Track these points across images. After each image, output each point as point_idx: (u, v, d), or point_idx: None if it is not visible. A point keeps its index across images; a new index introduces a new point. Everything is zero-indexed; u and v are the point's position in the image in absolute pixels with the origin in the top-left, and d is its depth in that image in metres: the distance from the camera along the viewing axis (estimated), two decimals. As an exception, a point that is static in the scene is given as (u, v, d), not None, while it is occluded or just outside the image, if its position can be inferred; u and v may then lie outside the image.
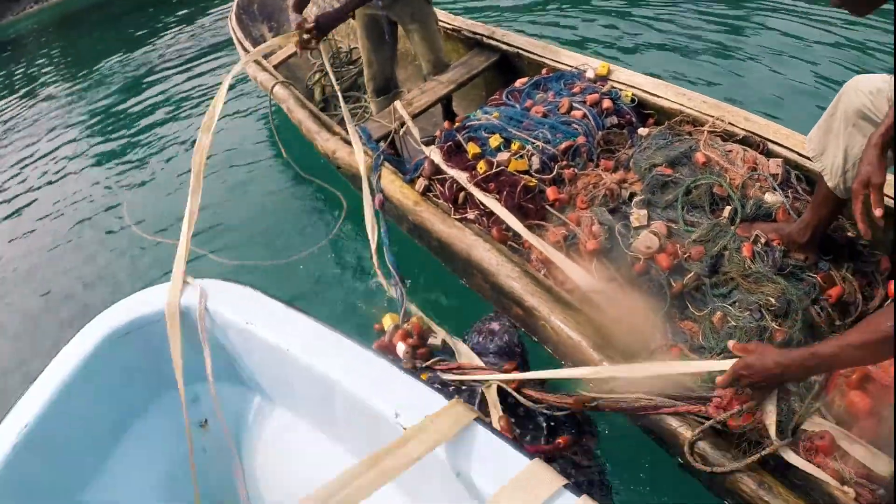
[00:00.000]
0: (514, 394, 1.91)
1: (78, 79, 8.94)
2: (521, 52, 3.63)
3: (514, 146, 2.74)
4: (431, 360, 2.17)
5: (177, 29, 9.66)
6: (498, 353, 2.28)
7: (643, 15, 5.66)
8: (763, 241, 2.27)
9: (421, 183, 2.78)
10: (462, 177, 2.67)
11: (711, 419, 1.72)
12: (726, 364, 1.66)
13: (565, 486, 1.28)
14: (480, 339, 2.34)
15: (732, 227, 2.33)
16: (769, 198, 2.44)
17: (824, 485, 1.61)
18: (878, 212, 1.61)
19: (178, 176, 4.91)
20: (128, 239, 4.31)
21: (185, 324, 1.85)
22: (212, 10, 9.92)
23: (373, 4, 3.58)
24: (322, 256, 3.39)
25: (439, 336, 2.36)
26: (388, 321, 2.41)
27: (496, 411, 1.89)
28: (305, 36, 3.33)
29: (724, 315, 2.08)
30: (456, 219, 2.59)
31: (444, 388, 2.03)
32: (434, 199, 2.73)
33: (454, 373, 2.10)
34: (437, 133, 3.05)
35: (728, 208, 2.41)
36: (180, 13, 10.69)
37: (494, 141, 2.78)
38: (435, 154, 2.83)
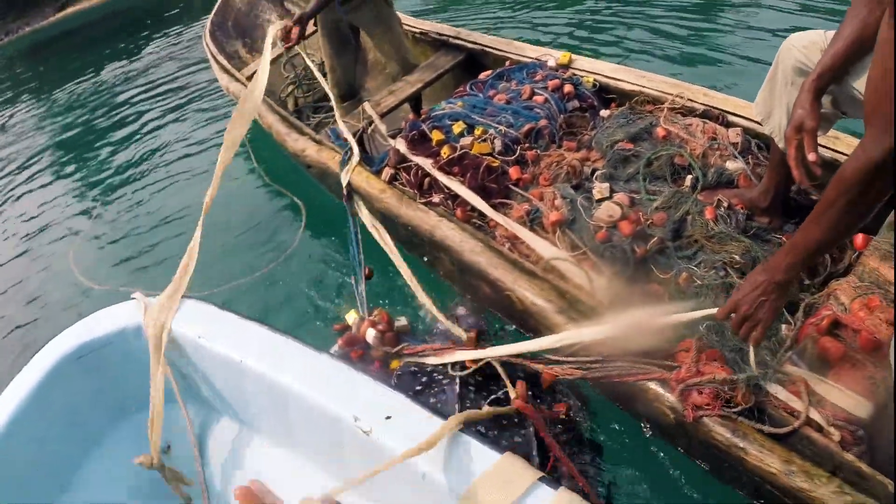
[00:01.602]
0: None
1: (45, 108, 9.05)
2: (486, 49, 3.67)
3: (478, 131, 2.75)
4: (399, 346, 2.17)
5: (146, 55, 9.86)
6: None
7: (606, 9, 5.83)
8: (726, 205, 2.28)
9: (387, 173, 2.78)
10: (426, 163, 2.68)
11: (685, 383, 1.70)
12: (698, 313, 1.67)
13: (541, 478, 1.24)
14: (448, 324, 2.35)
15: (694, 194, 2.34)
16: (730, 165, 2.46)
17: (803, 429, 1.59)
18: (811, 156, 1.60)
19: (133, 211, 4.80)
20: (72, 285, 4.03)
21: (133, 344, 1.80)
22: (175, 36, 10.15)
23: (334, 10, 3.62)
24: (287, 266, 3.34)
25: (405, 319, 2.36)
26: (352, 316, 2.41)
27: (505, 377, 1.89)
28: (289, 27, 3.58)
29: (690, 275, 2.07)
30: (421, 203, 2.59)
31: (417, 378, 2.03)
32: (400, 186, 2.74)
33: (423, 355, 2.09)
34: (403, 124, 3.07)
35: (689, 177, 2.42)
36: (148, 38, 10.92)
37: (457, 127, 2.79)
38: (400, 143, 2.84)
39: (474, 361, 1.96)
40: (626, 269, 2.13)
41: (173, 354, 1.79)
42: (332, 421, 1.48)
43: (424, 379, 2.04)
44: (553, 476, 1.62)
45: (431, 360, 2.07)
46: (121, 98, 7.94)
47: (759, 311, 1.53)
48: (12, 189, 6.21)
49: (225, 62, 4.39)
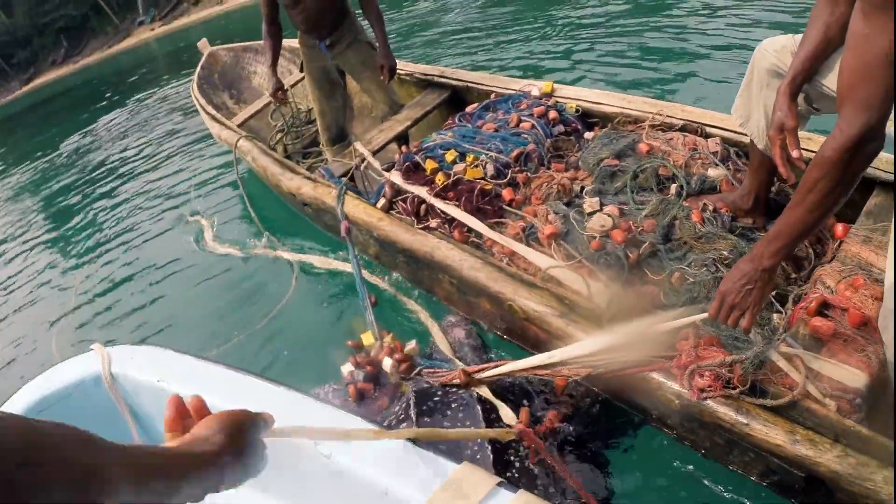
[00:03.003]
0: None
1: (14, 179, 9.16)
2: (469, 85, 3.83)
3: (469, 158, 2.87)
4: (416, 371, 2.31)
5: (112, 120, 10.24)
6: (469, 358, 2.38)
7: (584, 38, 6.14)
8: (711, 208, 2.39)
9: (384, 204, 2.88)
10: (422, 191, 2.78)
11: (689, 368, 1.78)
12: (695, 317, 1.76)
13: (499, 484, 1.26)
14: (451, 352, 2.44)
15: (680, 200, 2.44)
16: (712, 172, 2.58)
17: (802, 400, 1.66)
18: (795, 153, 1.73)
19: (108, 273, 4.81)
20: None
21: (93, 394, 1.76)
22: (139, 101, 10.38)
23: (322, 56, 3.77)
24: (286, 314, 3.39)
25: (413, 344, 2.46)
26: (368, 338, 2.53)
27: (506, 409, 1.93)
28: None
29: (682, 274, 2.16)
30: (419, 228, 2.68)
31: (431, 395, 2.09)
32: (397, 215, 2.83)
33: (440, 379, 2.17)
34: (396, 156, 3.18)
35: (674, 185, 2.53)
36: (113, 104, 11.19)
37: (450, 156, 2.90)
38: (395, 176, 2.95)
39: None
40: (621, 273, 2.22)
41: (133, 401, 1.79)
42: (293, 451, 1.44)
43: (440, 393, 2.11)
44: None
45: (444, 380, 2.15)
46: (92, 161, 8.22)
47: (746, 298, 1.62)
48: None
49: (213, 112, 4.54)
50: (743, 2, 5.47)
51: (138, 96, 11.64)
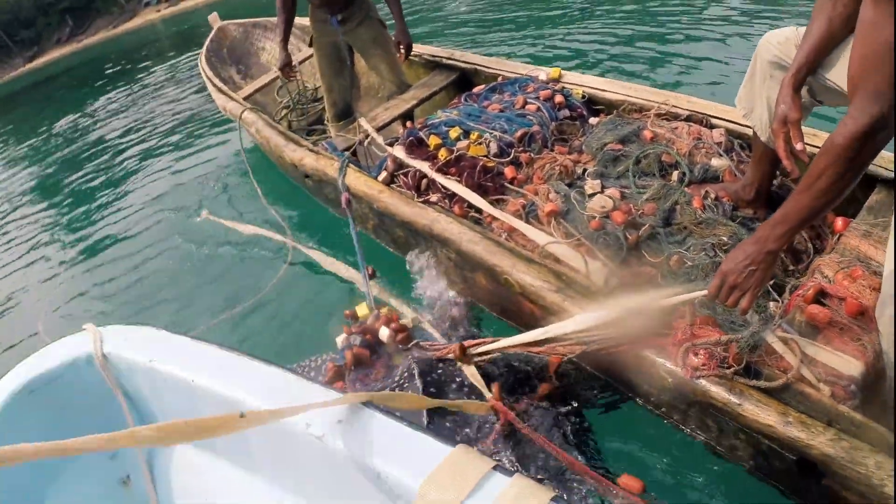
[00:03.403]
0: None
1: (16, 157, 9.12)
2: (478, 67, 3.82)
3: (473, 136, 2.86)
4: (413, 343, 2.31)
5: (115, 99, 10.22)
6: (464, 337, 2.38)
7: (592, 27, 6.17)
8: (713, 196, 2.38)
9: (385, 177, 2.87)
10: (424, 166, 2.77)
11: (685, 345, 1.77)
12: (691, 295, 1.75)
13: (495, 467, 1.24)
14: (447, 328, 2.44)
15: (682, 186, 2.44)
16: (715, 162, 2.57)
17: (796, 384, 1.65)
18: (798, 146, 1.73)
19: (104, 254, 4.73)
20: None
21: (86, 375, 1.73)
22: (142, 80, 10.32)
23: (332, 31, 3.75)
24: (283, 287, 3.38)
25: (409, 317, 2.46)
26: (363, 308, 2.52)
27: (482, 386, 1.97)
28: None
29: (681, 258, 2.16)
30: (419, 202, 2.68)
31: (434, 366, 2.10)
32: (398, 189, 2.82)
33: (438, 353, 2.17)
34: (400, 132, 3.17)
35: (676, 172, 2.53)
36: (116, 83, 11.14)
37: (454, 132, 2.89)
38: (397, 150, 2.94)
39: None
40: (619, 253, 2.21)
41: (126, 381, 1.76)
42: (285, 432, 1.43)
43: (441, 365, 2.13)
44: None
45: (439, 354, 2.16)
46: (92, 139, 8.16)
47: (748, 280, 1.61)
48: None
49: (220, 84, 4.54)
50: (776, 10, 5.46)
51: (142, 75, 11.64)
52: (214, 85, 4.60)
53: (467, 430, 1.88)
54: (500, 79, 3.52)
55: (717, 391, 1.68)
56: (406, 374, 2.06)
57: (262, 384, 1.52)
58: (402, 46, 3.72)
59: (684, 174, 2.50)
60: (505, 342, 2.06)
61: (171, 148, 6.71)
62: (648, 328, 1.87)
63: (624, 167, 2.60)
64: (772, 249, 1.57)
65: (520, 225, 2.38)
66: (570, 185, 2.59)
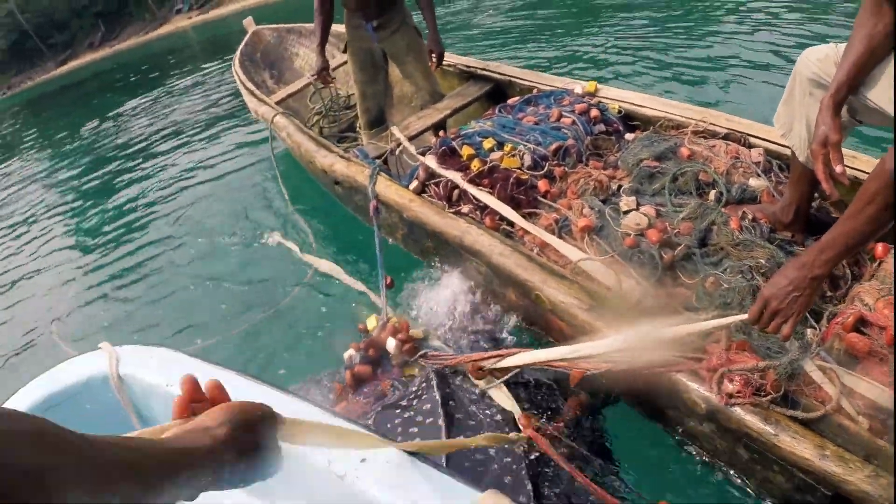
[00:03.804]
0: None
1: (43, 159, 9.28)
2: (512, 79, 3.80)
3: (507, 147, 2.83)
4: (420, 353, 2.23)
5: (144, 103, 10.29)
6: (485, 342, 2.32)
7: (629, 42, 6.10)
8: (750, 217, 2.33)
9: (416, 186, 2.86)
10: (456, 176, 2.75)
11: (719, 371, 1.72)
12: (728, 320, 1.70)
13: None
14: (465, 338, 2.39)
15: (719, 206, 2.39)
16: (753, 182, 2.52)
17: (834, 416, 1.60)
18: (838, 168, 1.67)
19: (125, 265, 4.66)
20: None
21: (100, 395, 1.68)
22: (171, 84, 10.36)
23: (367, 37, 3.76)
24: (300, 298, 3.36)
25: (420, 328, 2.41)
26: (372, 321, 2.49)
27: (514, 404, 1.91)
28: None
29: (716, 280, 2.11)
30: (450, 212, 2.66)
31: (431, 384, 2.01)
32: (429, 198, 2.81)
33: (446, 363, 2.12)
34: (432, 141, 3.16)
35: (713, 192, 2.48)
36: (147, 86, 11.23)
37: (488, 143, 2.87)
38: (430, 159, 2.92)
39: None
40: (654, 273, 2.17)
41: (141, 404, 1.71)
42: (306, 469, 1.35)
43: (459, 377, 2.06)
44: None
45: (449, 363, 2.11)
46: (119, 143, 8.23)
47: (791, 305, 1.55)
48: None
49: (252, 87, 4.56)
50: (790, 11, 5.39)
51: (172, 80, 11.78)
52: (247, 89, 4.64)
53: (493, 455, 1.79)
54: (534, 91, 3.50)
55: (753, 420, 1.63)
56: (423, 385, 1.99)
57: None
58: (433, 55, 3.72)
59: (722, 194, 2.45)
60: (527, 357, 1.99)
61: (199, 152, 6.77)
62: (679, 353, 1.83)
63: (660, 184, 2.56)
64: (817, 275, 1.52)
65: (552, 240, 2.35)
66: (604, 201, 2.56)
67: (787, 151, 2.56)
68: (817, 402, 1.64)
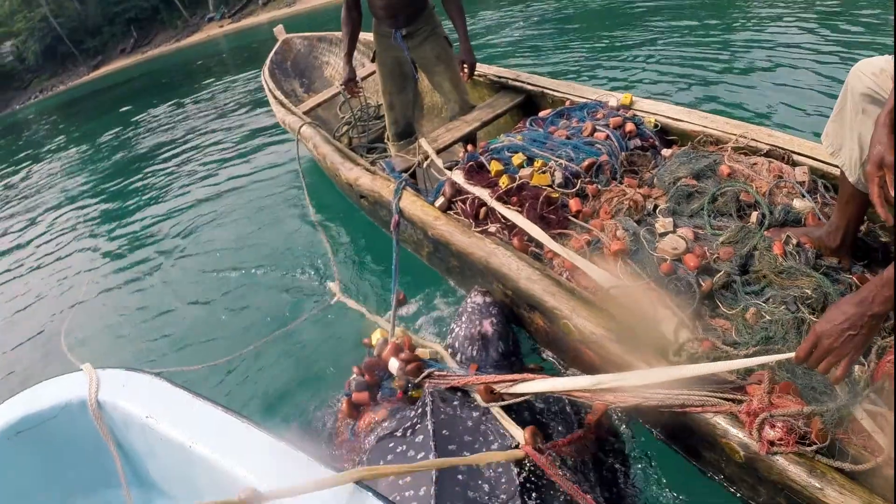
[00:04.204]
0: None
1: (71, 161, 9.38)
2: (545, 90, 3.69)
3: (537, 163, 2.73)
4: (424, 374, 2.10)
5: (172, 111, 10.36)
6: (497, 366, 2.21)
7: (664, 56, 5.92)
8: (794, 242, 2.19)
9: (443, 203, 2.76)
10: (484, 193, 2.66)
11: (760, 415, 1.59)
12: (767, 358, 1.58)
13: None
14: (475, 351, 2.27)
15: (762, 229, 2.26)
16: (797, 204, 2.38)
17: (884, 468, 1.46)
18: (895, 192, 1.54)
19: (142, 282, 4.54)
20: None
21: (79, 420, 1.62)
22: (199, 94, 10.38)
23: (398, 46, 3.68)
24: (318, 319, 3.24)
25: (428, 348, 2.31)
26: (377, 336, 2.39)
27: (516, 429, 1.79)
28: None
29: (758, 311, 1.98)
30: (476, 231, 2.56)
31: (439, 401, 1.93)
32: (455, 216, 2.72)
33: (452, 383, 2.01)
34: (460, 155, 3.07)
35: (755, 213, 2.34)
36: (178, 94, 11.29)
37: (517, 159, 2.77)
38: (457, 175, 2.83)
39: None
40: (690, 302, 2.04)
41: (120, 434, 1.65)
42: None
43: (459, 396, 1.95)
44: None
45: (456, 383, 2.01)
46: (142, 150, 8.27)
47: (846, 344, 1.42)
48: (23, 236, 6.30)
49: (281, 96, 4.53)
50: (839, 23, 5.18)
51: (202, 87, 11.92)
52: (275, 97, 4.60)
53: (482, 482, 1.63)
54: (567, 103, 3.39)
55: (796, 472, 1.50)
56: (420, 412, 1.85)
57: (263, 458, 1.38)
58: (465, 65, 3.62)
59: (764, 216, 2.32)
60: (545, 385, 1.88)
61: (225, 161, 6.77)
62: (719, 392, 1.71)
63: (698, 205, 2.43)
64: (877, 312, 1.38)
65: (583, 264, 2.24)
66: (639, 222, 2.44)
67: (835, 170, 2.43)
68: (867, 453, 1.51)
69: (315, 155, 3.76)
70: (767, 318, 1.95)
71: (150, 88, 13.91)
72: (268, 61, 5.47)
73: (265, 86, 4.98)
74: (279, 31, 6.03)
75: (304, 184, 4.21)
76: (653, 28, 6.75)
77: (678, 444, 1.94)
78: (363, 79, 4.72)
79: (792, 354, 1.53)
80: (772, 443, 1.56)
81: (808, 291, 1.98)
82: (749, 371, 1.76)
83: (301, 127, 3.94)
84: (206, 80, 13.05)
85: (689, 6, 7.01)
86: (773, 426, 1.58)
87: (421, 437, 1.75)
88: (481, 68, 4.19)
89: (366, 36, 4.33)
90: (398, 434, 1.83)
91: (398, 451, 1.75)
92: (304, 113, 4.29)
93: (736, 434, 1.62)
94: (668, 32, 6.46)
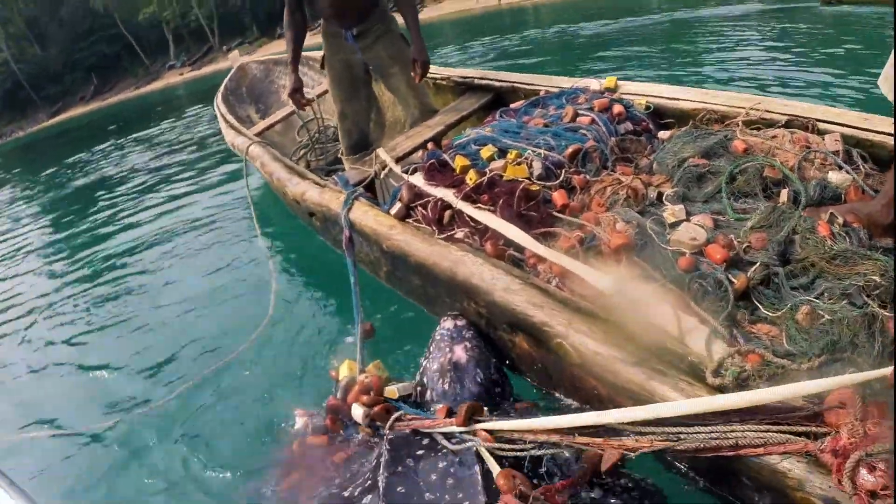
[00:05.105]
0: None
1: (30, 205, 8.98)
2: (515, 85, 3.24)
3: (511, 155, 2.25)
4: (393, 417, 1.66)
5: (130, 151, 10.25)
6: (478, 401, 1.71)
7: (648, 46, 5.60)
8: (840, 221, 1.72)
9: (399, 210, 2.27)
10: (447, 193, 2.17)
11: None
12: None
13: None
14: (447, 385, 1.78)
15: (799, 208, 1.78)
16: (834, 177, 1.91)
17: None
18: None
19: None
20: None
21: None
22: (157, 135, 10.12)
23: (347, 47, 3.23)
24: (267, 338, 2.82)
25: (400, 386, 1.86)
26: (345, 370, 1.97)
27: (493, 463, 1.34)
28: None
29: (812, 310, 1.48)
30: (440, 239, 2.06)
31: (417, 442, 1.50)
32: (414, 223, 2.22)
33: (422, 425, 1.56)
34: (420, 155, 2.59)
35: (785, 191, 1.87)
36: (135, 135, 11.14)
37: (486, 152, 2.30)
38: (416, 178, 2.34)
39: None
40: (722, 305, 1.55)
41: None
42: None
43: (425, 443, 1.52)
44: None
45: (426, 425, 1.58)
46: (106, 189, 7.93)
47: None
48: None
49: (233, 120, 4.09)
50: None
51: (159, 126, 12.10)
52: (226, 121, 4.16)
53: None
54: (542, 93, 2.93)
55: None
56: (374, 465, 1.50)
57: None
58: (417, 65, 3.14)
59: (797, 193, 1.84)
60: (534, 423, 1.38)
61: (175, 195, 6.35)
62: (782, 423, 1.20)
63: (714, 187, 1.96)
64: None
65: (577, 267, 1.73)
66: (641, 214, 1.95)
67: (873, 136, 1.99)
68: None
69: (263, 174, 3.29)
70: (826, 317, 1.45)
71: (109, 129, 14.07)
72: (222, 87, 5.07)
73: (217, 111, 4.54)
74: (234, 56, 5.71)
75: (252, 207, 3.72)
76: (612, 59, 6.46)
77: (732, 498, 1.41)
78: (319, 96, 4.27)
79: (888, 370, 1.04)
80: (873, 493, 1.05)
81: (877, 278, 1.49)
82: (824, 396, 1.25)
83: (249, 147, 3.46)
84: (163, 119, 12.99)
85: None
86: (872, 469, 1.07)
87: (370, 497, 1.41)
88: (444, 71, 3.76)
89: (315, 53, 3.91)
90: (345, 495, 1.47)
91: None
92: (256, 135, 3.83)
93: (818, 484, 1.11)
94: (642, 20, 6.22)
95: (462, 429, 1.48)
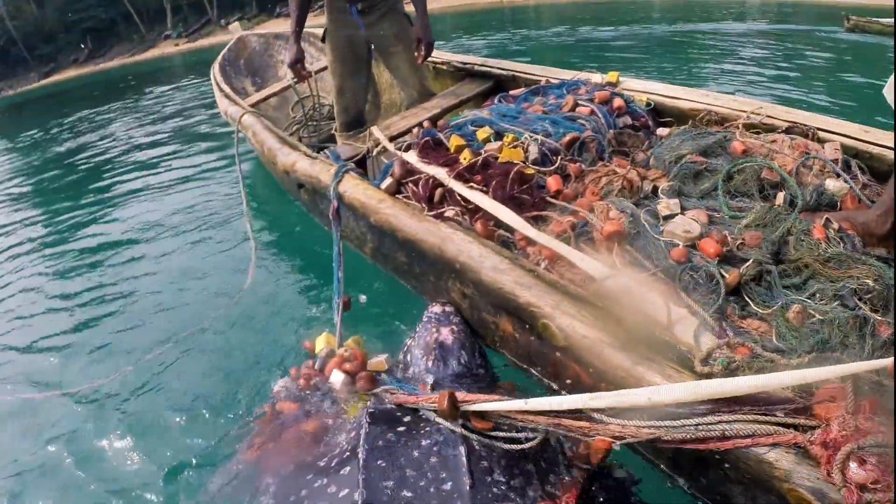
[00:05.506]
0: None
1: (18, 162, 8.79)
2: (516, 74, 3.21)
3: (508, 138, 2.21)
4: (381, 388, 1.66)
5: (119, 117, 10.02)
6: (459, 382, 1.68)
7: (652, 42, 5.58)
8: (835, 226, 1.70)
9: (390, 185, 2.22)
10: (440, 171, 2.13)
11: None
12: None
13: None
14: (430, 362, 1.75)
15: (794, 210, 1.76)
16: (831, 184, 1.90)
17: None
18: None
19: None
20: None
21: None
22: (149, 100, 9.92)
23: (351, 22, 3.18)
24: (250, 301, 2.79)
25: (381, 358, 1.83)
26: (321, 342, 1.93)
27: None
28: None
29: (803, 309, 1.46)
30: (430, 216, 2.02)
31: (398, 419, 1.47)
32: (405, 200, 2.17)
33: (407, 400, 1.52)
34: (414, 131, 2.55)
35: (781, 194, 1.85)
36: (125, 102, 10.97)
37: (482, 133, 2.26)
38: (409, 155, 2.30)
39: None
40: (712, 298, 1.52)
41: None
42: None
43: (408, 419, 1.47)
44: None
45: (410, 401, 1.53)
46: (92, 151, 7.79)
47: None
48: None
49: (227, 89, 4.01)
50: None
51: (153, 94, 11.63)
52: (221, 89, 4.08)
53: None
54: (543, 82, 2.89)
55: None
56: (353, 435, 1.45)
57: None
58: (421, 45, 3.11)
59: (794, 197, 1.82)
60: (517, 404, 1.34)
61: (165, 163, 6.23)
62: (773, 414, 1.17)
63: (710, 183, 1.93)
64: None
65: (568, 251, 1.70)
66: (635, 205, 1.92)
67: (871, 148, 1.99)
68: None
69: (254, 144, 3.22)
70: (818, 317, 1.43)
71: (103, 95, 13.75)
72: (220, 57, 4.97)
73: (213, 78, 4.46)
74: (235, 27, 5.57)
75: (241, 185, 3.65)
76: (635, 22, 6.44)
77: (707, 494, 1.39)
78: (317, 72, 4.20)
79: (888, 361, 1.02)
80: (863, 487, 1.02)
81: (870, 282, 1.47)
82: (808, 386, 1.22)
83: (242, 116, 3.39)
84: (157, 87, 12.73)
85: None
86: (862, 462, 1.04)
87: (348, 468, 1.35)
88: (445, 55, 3.71)
89: (316, 30, 3.84)
90: (321, 464, 1.42)
91: (315, 486, 1.36)
92: (251, 106, 3.75)
93: (806, 475, 1.08)
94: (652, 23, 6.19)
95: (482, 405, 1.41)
